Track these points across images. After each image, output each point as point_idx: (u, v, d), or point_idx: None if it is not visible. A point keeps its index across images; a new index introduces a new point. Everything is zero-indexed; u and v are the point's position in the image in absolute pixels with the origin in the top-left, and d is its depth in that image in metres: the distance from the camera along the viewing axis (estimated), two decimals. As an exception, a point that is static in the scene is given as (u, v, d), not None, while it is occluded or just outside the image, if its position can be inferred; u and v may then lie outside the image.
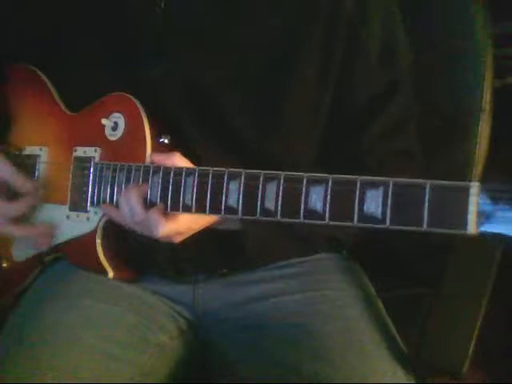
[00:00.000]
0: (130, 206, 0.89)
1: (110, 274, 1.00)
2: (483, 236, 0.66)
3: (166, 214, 0.88)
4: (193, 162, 0.91)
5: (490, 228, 0.66)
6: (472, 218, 0.66)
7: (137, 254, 1.02)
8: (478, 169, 1.18)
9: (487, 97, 1.16)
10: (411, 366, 0.96)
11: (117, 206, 0.94)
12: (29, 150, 1.09)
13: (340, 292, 1.05)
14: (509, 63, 1.19)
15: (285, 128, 0.99)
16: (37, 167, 1.07)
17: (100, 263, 0.99)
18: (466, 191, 0.66)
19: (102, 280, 1.03)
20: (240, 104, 0.97)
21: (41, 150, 1.08)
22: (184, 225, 0.89)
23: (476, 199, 0.65)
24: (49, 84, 1.09)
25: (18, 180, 1.03)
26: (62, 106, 1.07)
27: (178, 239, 0.92)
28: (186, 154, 0.91)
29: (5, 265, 1.12)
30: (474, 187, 0.66)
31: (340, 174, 0.96)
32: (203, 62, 0.98)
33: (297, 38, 0.96)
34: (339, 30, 0.96)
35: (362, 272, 1.14)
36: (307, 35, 0.96)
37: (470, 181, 1.12)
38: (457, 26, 1.18)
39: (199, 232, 0.94)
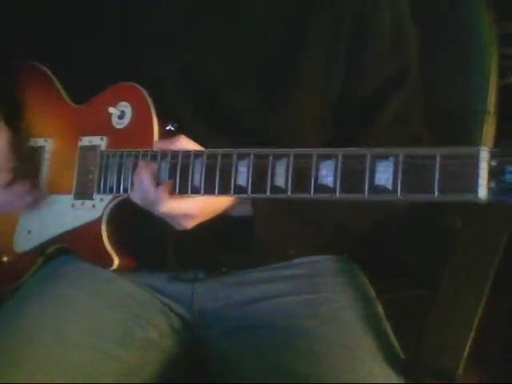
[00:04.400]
0: (141, 186, 0.89)
1: (116, 262, 1.00)
2: (496, 203, 0.67)
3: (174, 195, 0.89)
4: None
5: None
6: (482, 182, 0.67)
7: (142, 242, 1.02)
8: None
9: (492, 98, 1.17)
10: (406, 368, 0.96)
11: (124, 192, 0.95)
12: (33, 142, 1.10)
13: (338, 294, 1.05)
14: (509, 63, 1.20)
15: (291, 120, 1.00)
16: (42, 158, 1.08)
17: (106, 250, 0.99)
18: (475, 157, 0.67)
19: (96, 275, 1.03)
20: (244, 101, 0.98)
21: (45, 141, 1.09)
22: (192, 207, 0.89)
23: (486, 164, 0.67)
24: (54, 79, 1.11)
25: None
26: (67, 100, 1.09)
27: (189, 224, 0.90)
28: None
29: (5, 259, 1.11)
30: (484, 152, 0.67)
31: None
32: (206, 60, 0.99)
33: (300, 32, 0.97)
34: (346, 18, 0.96)
35: (361, 274, 1.14)
36: (313, 24, 0.96)
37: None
38: (462, 25, 1.19)
39: (210, 222, 0.93)
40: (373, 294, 1.10)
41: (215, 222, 0.93)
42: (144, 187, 0.89)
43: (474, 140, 1.18)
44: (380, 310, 1.07)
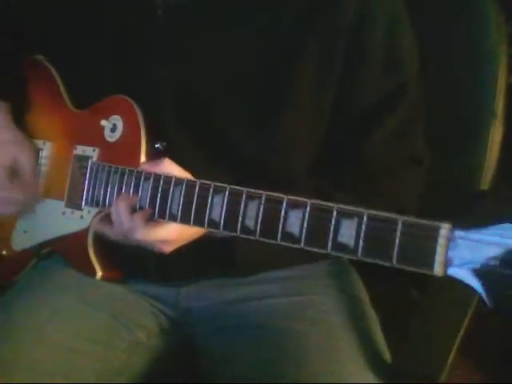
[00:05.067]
0: (118, 217, 0.90)
1: (99, 274, 1.02)
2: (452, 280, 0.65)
3: (151, 221, 0.89)
4: (184, 169, 0.91)
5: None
6: (439, 258, 0.65)
7: (125, 256, 1.03)
8: (488, 174, 1.15)
9: (500, 100, 1.12)
10: (392, 373, 0.96)
11: (110, 207, 0.95)
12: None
13: (326, 297, 1.05)
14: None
15: (281, 137, 0.98)
16: (39, 161, 1.10)
17: (90, 262, 1.01)
18: (435, 231, 0.65)
19: (84, 277, 1.04)
20: (233, 113, 0.97)
21: (44, 144, 1.10)
22: (170, 233, 0.89)
23: (445, 241, 0.65)
24: (58, 80, 1.11)
25: (31, 175, 1.07)
26: (68, 103, 1.09)
27: (166, 248, 0.91)
28: (175, 160, 0.91)
29: (4, 252, 1.15)
30: (444, 228, 0.65)
31: (344, 182, 0.98)
32: (205, 60, 0.98)
33: (294, 45, 0.95)
34: (339, 34, 0.94)
35: (355, 276, 1.13)
36: (305, 41, 0.94)
37: (479, 187, 1.12)
38: (470, 27, 1.15)
39: (191, 242, 0.93)
40: (365, 297, 1.10)
41: (198, 239, 0.94)
42: (119, 219, 0.90)
43: (480, 143, 1.14)
44: (371, 313, 1.07)
